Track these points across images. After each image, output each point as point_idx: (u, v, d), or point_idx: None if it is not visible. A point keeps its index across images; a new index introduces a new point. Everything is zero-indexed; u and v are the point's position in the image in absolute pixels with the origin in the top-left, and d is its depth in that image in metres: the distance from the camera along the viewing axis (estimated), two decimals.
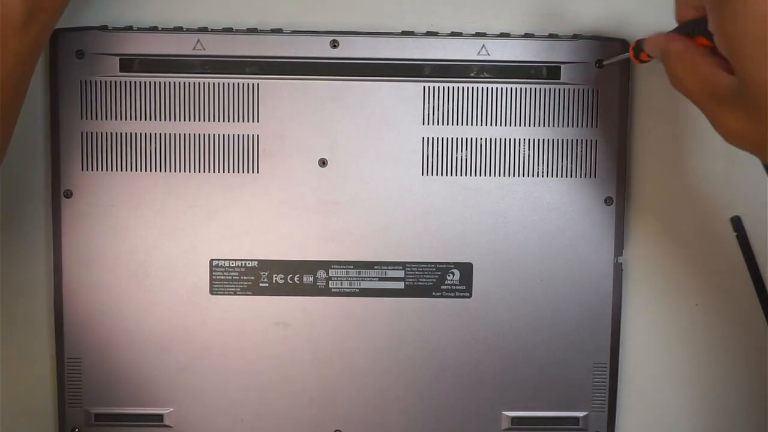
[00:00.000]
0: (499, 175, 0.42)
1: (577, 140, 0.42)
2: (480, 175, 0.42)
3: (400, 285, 0.42)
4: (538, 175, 0.42)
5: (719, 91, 0.24)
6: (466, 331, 0.42)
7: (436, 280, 0.42)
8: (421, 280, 0.42)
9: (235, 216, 0.41)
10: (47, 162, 0.42)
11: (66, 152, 0.41)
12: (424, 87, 0.41)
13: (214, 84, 0.41)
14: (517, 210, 0.42)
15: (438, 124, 0.41)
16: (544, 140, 0.42)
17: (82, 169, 0.41)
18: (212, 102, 0.41)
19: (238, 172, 0.41)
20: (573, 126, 0.41)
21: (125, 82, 0.41)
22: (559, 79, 0.41)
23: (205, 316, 0.42)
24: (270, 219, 0.41)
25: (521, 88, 0.41)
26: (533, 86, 0.41)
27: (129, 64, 0.41)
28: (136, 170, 0.41)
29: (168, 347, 0.42)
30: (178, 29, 0.41)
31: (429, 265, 0.42)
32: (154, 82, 0.41)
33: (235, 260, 0.42)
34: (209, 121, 0.41)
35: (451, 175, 0.42)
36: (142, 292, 0.41)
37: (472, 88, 0.41)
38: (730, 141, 0.25)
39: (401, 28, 0.42)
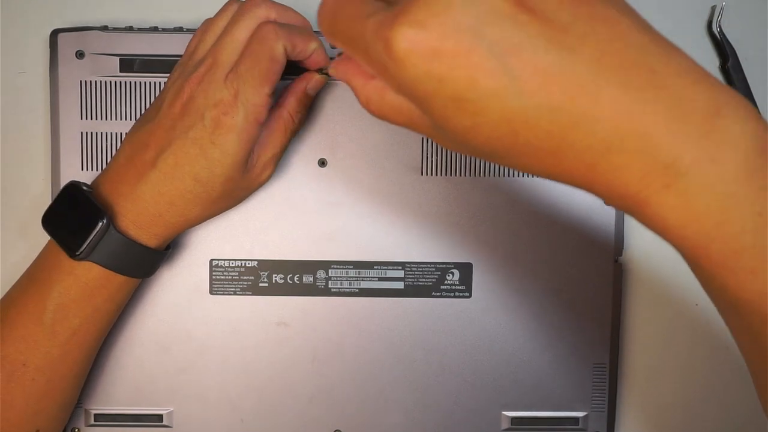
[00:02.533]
0: (499, 175, 0.42)
1: None
2: (480, 175, 0.42)
3: (400, 285, 0.42)
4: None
5: (419, 123, 0.25)
6: (466, 331, 0.42)
7: (435, 280, 0.42)
8: (420, 280, 0.42)
9: (235, 216, 0.41)
10: (47, 162, 0.42)
11: (66, 152, 0.41)
12: None
13: None
14: (517, 210, 0.42)
15: None
16: None
17: (82, 169, 0.41)
18: None
19: None
20: None
21: (125, 82, 0.41)
22: None
23: (205, 316, 0.42)
24: (270, 219, 0.41)
25: None
26: None
27: (129, 64, 0.41)
28: None
29: (168, 347, 0.42)
30: (178, 29, 0.41)
31: (429, 265, 0.42)
32: (154, 82, 0.41)
33: (235, 260, 0.42)
34: None
35: (451, 175, 0.42)
36: (142, 292, 0.41)
37: None
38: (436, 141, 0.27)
39: None
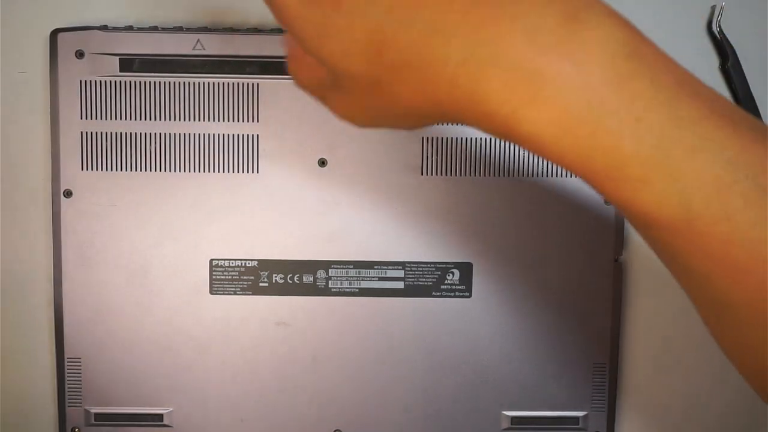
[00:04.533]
0: (499, 175, 0.42)
1: None
2: (480, 175, 0.42)
3: (400, 285, 0.42)
4: (538, 175, 0.42)
5: (323, 81, 0.26)
6: (466, 331, 0.42)
7: (435, 279, 0.42)
8: (420, 279, 0.42)
9: (235, 216, 0.41)
10: (47, 162, 0.42)
11: (66, 152, 0.41)
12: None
13: (214, 84, 0.41)
14: (517, 210, 0.42)
15: (438, 124, 0.41)
16: None
17: (82, 169, 0.41)
18: (212, 102, 0.41)
19: (238, 172, 0.41)
20: None
21: (125, 81, 0.41)
22: None
23: (205, 316, 0.42)
24: (270, 219, 0.41)
25: None
26: None
27: (129, 64, 0.41)
28: (135, 170, 0.41)
29: (168, 347, 0.42)
30: (178, 29, 0.41)
31: (429, 265, 0.42)
32: (154, 82, 0.41)
33: (235, 260, 0.42)
34: (209, 121, 0.41)
35: (451, 175, 0.42)
36: (142, 292, 0.41)
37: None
38: (343, 119, 0.28)
39: None
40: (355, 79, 0.24)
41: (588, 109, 0.21)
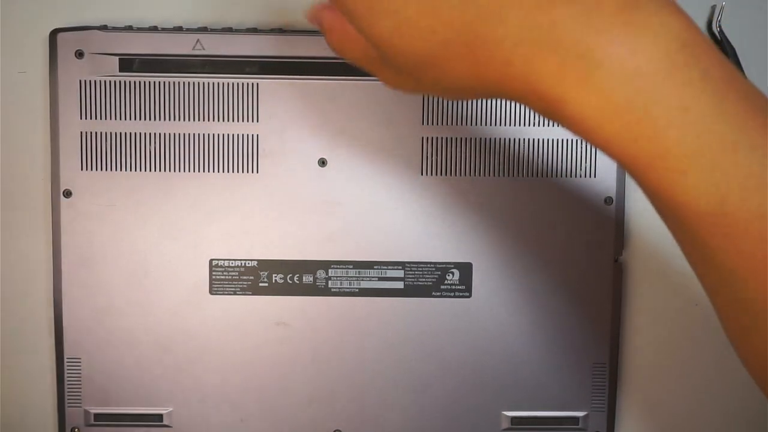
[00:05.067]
0: (499, 175, 0.42)
1: (577, 140, 0.42)
2: (480, 175, 0.42)
3: (400, 285, 0.42)
4: (538, 175, 0.42)
5: (371, 54, 0.26)
6: (466, 331, 0.42)
7: (435, 279, 0.42)
8: (420, 279, 0.42)
9: (234, 216, 0.41)
10: (47, 162, 0.42)
11: (66, 152, 0.41)
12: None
13: (213, 84, 0.41)
14: (517, 210, 0.42)
15: (438, 124, 0.41)
16: (544, 140, 0.42)
17: (82, 169, 0.41)
18: (212, 102, 0.41)
19: (238, 172, 0.41)
20: None
21: (125, 81, 0.41)
22: None
23: (205, 316, 0.42)
24: (270, 219, 0.41)
25: None
26: None
27: (129, 64, 0.41)
28: (135, 170, 0.41)
29: (168, 347, 0.42)
30: (178, 29, 0.41)
31: (429, 265, 0.42)
32: (154, 82, 0.41)
33: (235, 260, 0.42)
34: (209, 121, 0.41)
35: (451, 175, 0.42)
36: (142, 292, 0.41)
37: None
38: (392, 88, 0.28)
39: None
40: (408, 57, 0.24)
41: (637, 96, 0.21)
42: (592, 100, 0.21)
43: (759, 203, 0.21)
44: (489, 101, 0.41)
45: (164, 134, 0.41)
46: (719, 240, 0.22)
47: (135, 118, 0.41)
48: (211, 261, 0.42)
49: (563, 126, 0.23)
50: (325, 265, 0.42)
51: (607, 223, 0.42)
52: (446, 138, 0.42)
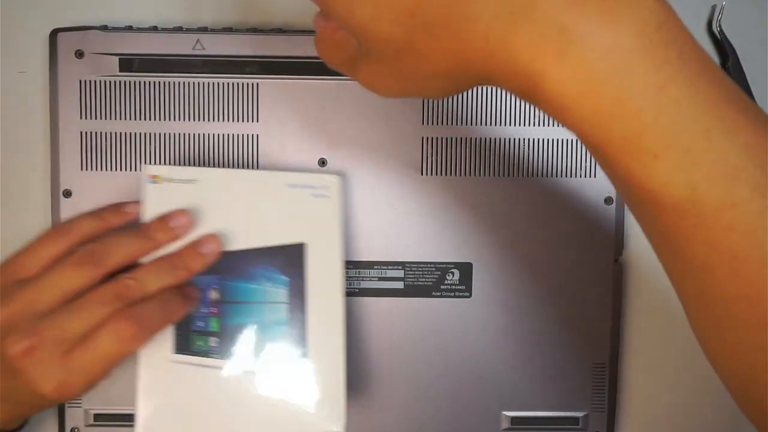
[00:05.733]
0: (499, 175, 0.42)
1: (577, 140, 0.41)
2: (480, 175, 0.42)
3: (400, 285, 0.42)
4: (538, 175, 0.42)
5: (352, 55, 0.27)
6: (466, 331, 0.42)
7: (435, 279, 0.42)
8: (420, 279, 0.42)
9: None
10: (47, 162, 0.42)
11: (65, 152, 0.41)
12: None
13: (214, 84, 0.41)
14: (517, 210, 0.42)
15: (438, 124, 0.41)
16: (544, 140, 0.42)
17: (82, 169, 0.41)
18: (212, 102, 0.41)
19: None
20: None
21: (125, 81, 0.41)
22: None
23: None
24: None
25: None
26: None
27: (129, 63, 0.41)
28: (135, 170, 0.41)
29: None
30: (178, 29, 0.41)
31: (429, 265, 0.42)
32: (154, 82, 0.41)
33: None
34: (209, 121, 0.41)
35: (451, 175, 0.42)
36: None
37: (472, 87, 0.41)
38: (378, 93, 0.28)
39: None
40: (386, 42, 0.24)
41: (614, 73, 0.21)
42: (569, 75, 0.21)
43: (729, 192, 0.21)
44: (488, 101, 0.41)
45: (164, 134, 0.41)
46: (687, 230, 0.22)
47: (135, 118, 0.41)
48: None
49: (539, 107, 0.23)
50: None
51: (607, 223, 0.42)
52: (446, 138, 0.42)
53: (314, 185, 0.38)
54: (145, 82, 0.41)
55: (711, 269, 0.23)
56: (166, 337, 0.37)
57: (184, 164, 0.41)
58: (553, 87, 0.22)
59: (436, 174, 0.42)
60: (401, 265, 0.42)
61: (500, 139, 0.42)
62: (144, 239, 0.36)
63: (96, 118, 0.41)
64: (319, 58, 0.28)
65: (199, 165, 0.41)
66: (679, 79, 0.21)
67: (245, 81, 0.41)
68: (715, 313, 0.24)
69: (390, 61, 0.25)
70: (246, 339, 0.37)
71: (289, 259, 0.38)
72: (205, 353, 0.37)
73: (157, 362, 0.37)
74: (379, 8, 0.23)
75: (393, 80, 0.26)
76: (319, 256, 0.38)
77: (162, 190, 0.37)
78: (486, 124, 0.41)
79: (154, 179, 0.37)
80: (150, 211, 0.37)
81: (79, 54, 0.40)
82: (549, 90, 0.22)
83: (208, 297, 0.37)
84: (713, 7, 0.43)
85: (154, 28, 0.41)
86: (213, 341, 0.37)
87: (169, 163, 0.41)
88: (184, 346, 0.37)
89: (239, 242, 0.38)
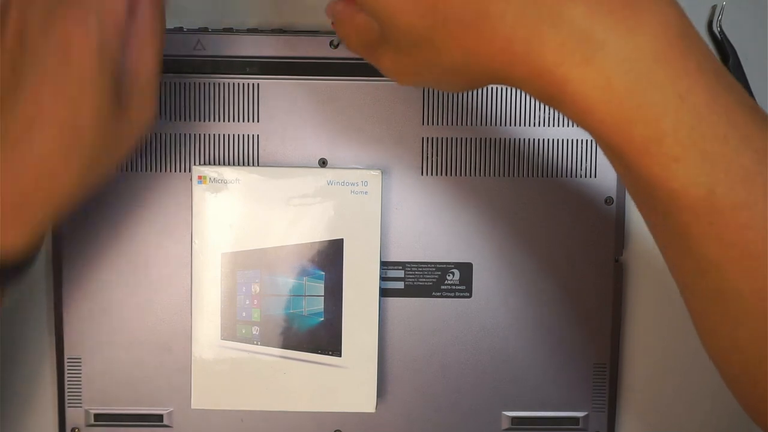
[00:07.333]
0: (499, 175, 0.42)
1: (577, 140, 0.42)
2: (480, 175, 0.42)
3: (400, 285, 0.42)
4: (538, 175, 0.42)
5: (372, 39, 0.27)
6: (466, 331, 0.42)
7: (436, 280, 0.42)
8: (421, 280, 0.42)
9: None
10: None
11: None
12: (423, 87, 0.41)
13: (214, 84, 0.41)
14: (517, 210, 0.42)
15: (438, 124, 0.41)
16: (544, 140, 0.42)
17: None
18: (212, 102, 0.41)
19: None
20: (573, 126, 0.41)
21: None
22: None
23: None
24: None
25: None
26: None
27: None
28: (135, 170, 0.41)
29: (168, 347, 0.42)
30: (178, 29, 0.41)
31: (429, 265, 0.42)
32: None
33: None
34: (209, 121, 0.41)
35: (451, 175, 0.42)
36: (142, 292, 0.41)
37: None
38: (394, 80, 0.28)
39: None
40: (408, 33, 0.24)
41: (637, 80, 0.21)
42: (593, 81, 0.22)
43: (745, 194, 0.22)
44: (488, 101, 0.41)
45: (164, 134, 0.41)
46: (703, 228, 0.23)
47: None
48: None
49: (558, 109, 0.23)
50: None
51: (607, 223, 0.42)
52: (446, 138, 0.42)
53: (354, 181, 0.40)
54: None
55: (724, 266, 0.23)
56: (215, 326, 0.40)
57: (184, 164, 0.41)
58: (576, 92, 0.22)
59: (436, 174, 0.42)
60: (401, 265, 0.42)
61: (500, 139, 0.42)
62: None
63: None
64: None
65: (198, 165, 0.41)
66: (698, 87, 0.22)
67: (246, 81, 0.41)
68: (727, 309, 0.25)
69: (409, 52, 0.25)
70: (285, 328, 0.40)
71: (327, 254, 0.40)
72: (248, 340, 0.40)
73: (207, 347, 0.40)
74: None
75: (410, 69, 0.27)
76: (358, 251, 0.40)
77: (209, 191, 0.39)
78: (486, 124, 0.41)
79: (202, 180, 0.39)
80: (198, 211, 0.39)
81: None
82: (572, 94, 0.22)
83: (251, 290, 0.40)
84: (713, 7, 0.43)
85: None
86: (255, 330, 0.40)
87: (169, 163, 0.41)
88: (229, 333, 0.40)
89: (280, 238, 0.40)
